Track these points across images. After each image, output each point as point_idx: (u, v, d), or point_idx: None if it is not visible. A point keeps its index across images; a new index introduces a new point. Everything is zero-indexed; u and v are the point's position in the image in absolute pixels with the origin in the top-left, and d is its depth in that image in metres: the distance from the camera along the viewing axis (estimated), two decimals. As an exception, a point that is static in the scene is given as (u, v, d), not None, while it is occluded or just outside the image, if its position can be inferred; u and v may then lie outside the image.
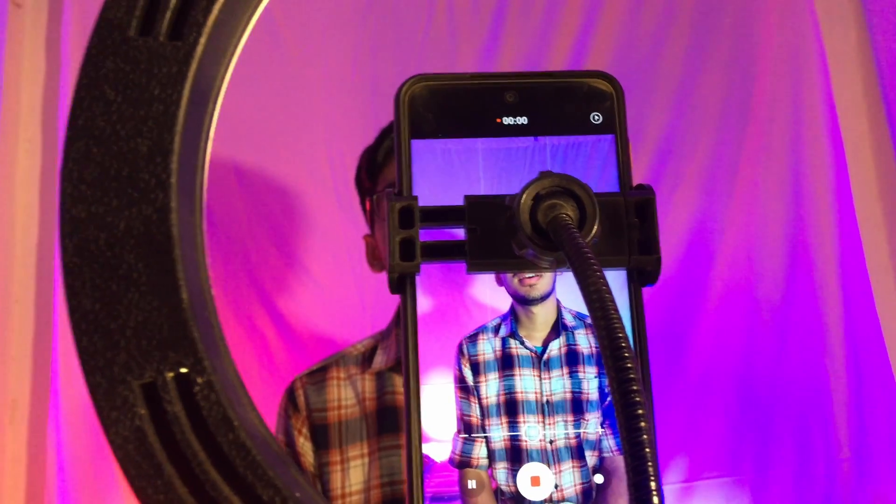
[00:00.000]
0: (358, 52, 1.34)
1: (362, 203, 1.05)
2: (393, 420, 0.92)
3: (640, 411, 0.19)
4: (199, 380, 0.19)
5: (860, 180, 1.27)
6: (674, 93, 1.28)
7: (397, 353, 0.97)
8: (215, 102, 0.21)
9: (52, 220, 1.31)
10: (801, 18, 1.30)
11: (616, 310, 0.21)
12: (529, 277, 0.27)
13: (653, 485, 0.19)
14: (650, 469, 0.19)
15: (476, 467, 0.26)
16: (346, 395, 0.97)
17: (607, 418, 0.27)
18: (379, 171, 0.99)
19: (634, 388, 0.20)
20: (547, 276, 0.28)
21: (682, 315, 1.23)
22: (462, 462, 0.26)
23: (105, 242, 0.19)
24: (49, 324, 1.27)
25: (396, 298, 0.99)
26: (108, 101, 0.20)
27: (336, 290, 1.28)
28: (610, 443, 0.27)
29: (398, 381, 0.96)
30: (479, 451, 0.27)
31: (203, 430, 0.19)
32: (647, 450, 0.19)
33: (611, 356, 0.20)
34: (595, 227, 0.25)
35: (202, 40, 0.20)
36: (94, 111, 0.20)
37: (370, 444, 0.93)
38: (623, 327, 0.21)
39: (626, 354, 0.20)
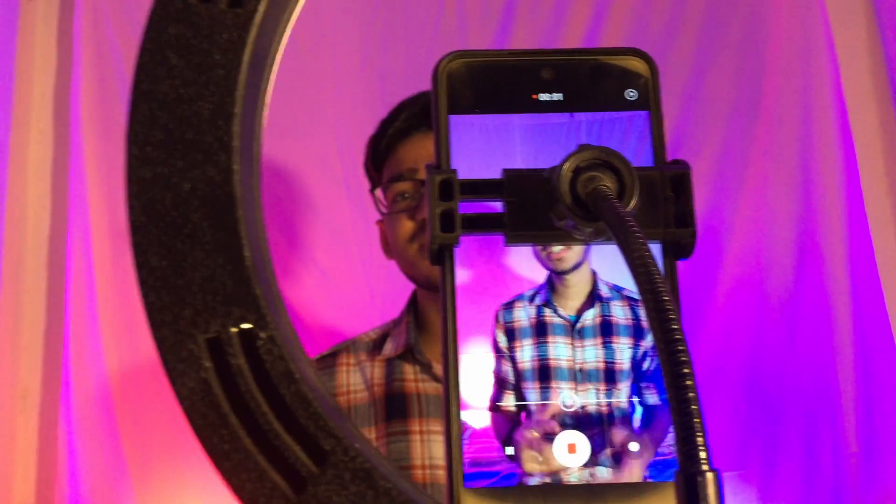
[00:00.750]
0: (367, 44, 1.35)
1: (372, 191, 1.06)
2: (401, 406, 0.93)
3: (686, 370, 0.20)
4: (263, 335, 0.19)
5: (870, 176, 1.27)
6: (683, 88, 1.29)
7: (407, 341, 0.98)
8: (271, 68, 0.22)
9: (63, 211, 1.32)
10: (811, 14, 1.31)
11: (660, 275, 0.22)
12: (558, 251, 0.28)
13: (699, 440, 0.19)
14: (697, 425, 0.19)
15: (509, 425, 0.27)
16: (354, 381, 0.98)
17: (641, 386, 0.28)
18: (383, 160, 1.00)
19: (680, 347, 0.20)
20: (576, 248, 0.28)
21: (690, 310, 1.24)
22: (493, 407, 0.27)
23: (171, 202, 0.20)
24: (60, 314, 1.28)
25: (405, 288, 1.00)
26: (171, 66, 0.20)
27: (344, 280, 1.29)
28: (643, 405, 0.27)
29: (407, 369, 0.97)
30: (509, 400, 0.27)
31: (265, 382, 0.19)
32: (694, 407, 0.19)
33: (656, 318, 0.21)
34: (634, 198, 0.25)
35: (261, 8, 0.21)
36: (158, 76, 0.20)
37: (378, 430, 0.94)
38: (668, 291, 0.21)
39: (672, 316, 0.21)
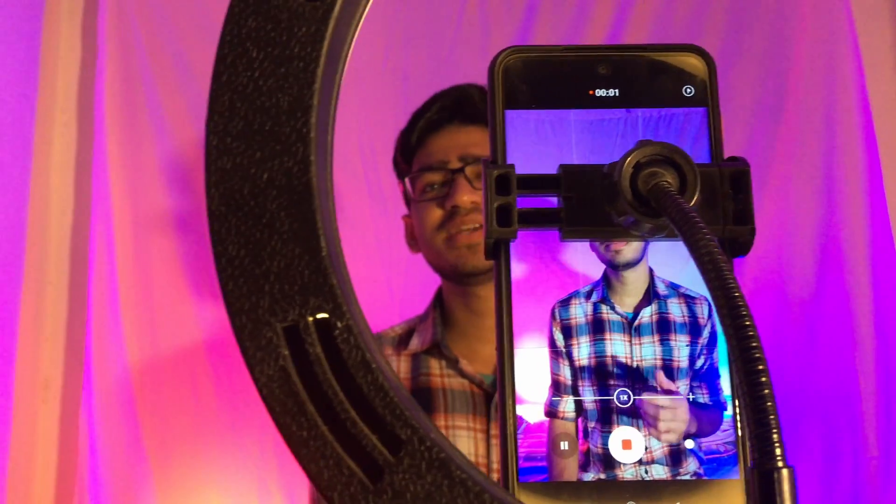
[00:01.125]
0: (390, 41, 1.35)
1: (400, 178, 1.06)
2: (427, 401, 0.94)
3: (761, 366, 0.20)
4: (339, 324, 0.20)
5: (893, 180, 1.26)
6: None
7: (434, 336, 0.98)
8: (345, 62, 0.22)
9: (86, 204, 1.33)
10: (836, 18, 1.30)
11: (730, 269, 0.22)
12: (616, 244, 0.28)
13: (775, 436, 0.19)
14: (773, 421, 0.19)
15: (563, 419, 0.27)
16: None
17: (697, 385, 0.28)
18: (413, 152, 1.00)
19: (754, 344, 0.20)
20: (634, 243, 0.28)
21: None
22: (550, 413, 0.27)
23: (249, 192, 0.20)
24: (83, 305, 1.29)
25: (426, 284, 1.00)
26: (251, 59, 0.20)
27: (364, 276, 1.30)
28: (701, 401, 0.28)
29: (433, 364, 0.97)
30: (567, 406, 0.27)
31: (342, 371, 0.20)
32: (769, 403, 0.19)
33: (728, 314, 0.21)
34: (696, 195, 0.25)
35: (338, 1, 0.21)
36: (238, 68, 0.20)
37: None
38: (738, 286, 0.21)
39: (744, 312, 0.21)
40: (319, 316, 0.20)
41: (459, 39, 1.37)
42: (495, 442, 0.92)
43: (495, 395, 0.94)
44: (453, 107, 0.98)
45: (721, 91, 0.29)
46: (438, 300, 1.03)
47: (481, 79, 1.13)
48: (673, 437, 0.27)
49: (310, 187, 0.20)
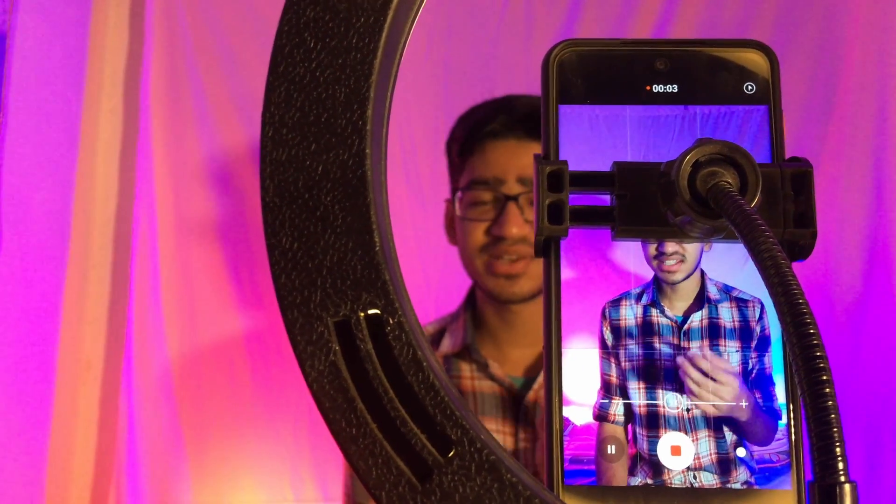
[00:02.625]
0: (432, 32, 1.35)
1: (449, 170, 1.04)
2: None
3: (825, 377, 0.19)
4: (391, 320, 0.19)
5: (947, 182, 1.22)
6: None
7: (464, 339, 0.97)
8: (401, 54, 0.22)
9: (130, 189, 1.35)
10: (889, 17, 1.26)
11: (793, 272, 0.21)
12: (671, 265, 0.27)
13: (838, 450, 0.19)
14: (836, 435, 0.19)
15: (613, 422, 0.26)
16: None
17: (748, 391, 0.27)
18: (469, 153, 0.97)
19: (818, 354, 0.19)
20: (688, 262, 0.27)
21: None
22: (600, 416, 0.27)
23: (304, 184, 0.20)
24: (125, 289, 1.31)
25: (462, 278, 0.99)
26: (308, 49, 0.20)
27: (402, 268, 1.30)
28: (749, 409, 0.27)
29: (464, 367, 0.97)
30: (616, 409, 0.27)
31: (393, 368, 0.19)
32: (833, 416, 0.19)
33: (791, 323, 0.20)
34: (757, 196, 0.24)
35: (397, -9, 0.21)
36: (295, 58, 0.20)
37: None
38: (801, 291, 0.20)
39: (808, 319, 0.20)
40: (371, 311, 0.19)
41: (503, 32, 1.36)
42: (524, 446, 0.91)
43: (525, 397, 0.93)
44: (523, 118, 0.95)
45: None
46: (470, 301, 1.02)
47: (523, 71, 1.11)
48: (723, 445, 0.26)
49: (364, 181, 0.20)
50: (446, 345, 0.99)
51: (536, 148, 0.94)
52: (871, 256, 1.22)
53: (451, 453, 0.19)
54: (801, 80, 1.27)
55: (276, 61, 0.20)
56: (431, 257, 1.29)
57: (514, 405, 0.94)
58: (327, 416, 0.19)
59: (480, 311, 1.00)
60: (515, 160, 0.94)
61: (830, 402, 0.19)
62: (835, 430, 0.19)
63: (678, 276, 0.28)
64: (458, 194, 0.97)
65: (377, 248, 0.20)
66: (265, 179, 0.20)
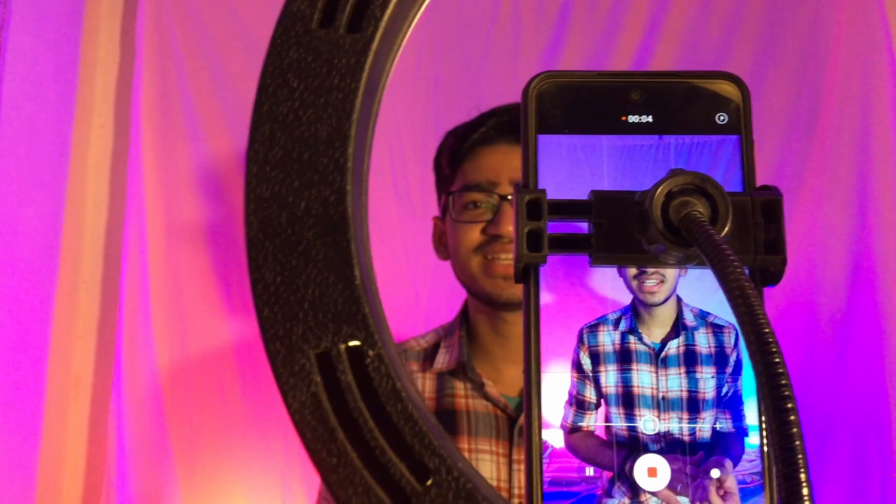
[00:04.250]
0: (422, 48, 1.36)
1: (438, 187, 1.04)
2: (450, 423, 0.92)
3: (790, 404, 0.20)
4: (371, 352, 0.20)
5: (930, 196, 1.24)
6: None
7: (460, 356, 0.97)
8: (382, 92, 0.23)
9: (121, 205, 1.35)
10: (872, 29, 1.28)
11: (760, 302, 0.22)
12: (651, 285, 0.28)
13: (802, 476, 0.19)
14: (800, 461, 0.19)
15: (584, 433, 0.27)
16: None
17: (721, 413, 0.28)
18: (461, 161, 0.98)
19: (783, 381, 0.20)
20: (668, 283, 0.28)
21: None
22: (573, 429, 0.27)
23: (286, 220, 0.20)
24: (115, 305, 1.31)
25: (453, 290, 1.00)
26: (291, 89, 0.21)
27: (391, 282, 1.30)
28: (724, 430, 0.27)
29: (458, 385, 0.96)
30: (589, 421, 0.27)
31: (373, 399, 0.20)
32: (798, 442, 0.19)
33: (757, 349, 0.21)
34: (728, 225, 0.25)
35: (378, 34, 0.21)
36: (279, 98, 0.21)
37: None
38: (768, 320, 0.21)
39: (774, 349, 0.21)
40: (352, 343, 0.20)
41: (491, 48, 1.37)
42: (518, 467, 0.91)
43: (519, 418, 0.93)
44: (512, 123, 0.96)
45: (753, 102, 0.29)
46: (465, 317, 1.02)
47: (511, 87, 1.12)
48: (698, 467, 0.27)
49: (345, 217, 0.20)
50: (441, 362, 0.98)
51: None
52: (856, 269, 1.23)
53: (429, 482, 0.19)
54: (783, 98, 1.29)
55: (260, 101, 0.21)
56: (421, 271, 1.30)
57: (508, 425, 0.94)
58: (309, 447, 0.20)
59: (474, 325, 0.99)
60: (507, 163, 0.94)
61: (795, 430, 0.20)
62: (799, 456, 0.19)
63: (659, 297, 0.28)
64: (452, 197, 0.97)
65: (357, 282, 0.20)
66: (249, 215, 0.20)
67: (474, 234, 0.94)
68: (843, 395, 1.20)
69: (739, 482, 0.27)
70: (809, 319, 1.22)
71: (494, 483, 0.90)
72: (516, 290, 0.92)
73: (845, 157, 1.26)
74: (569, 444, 0.27)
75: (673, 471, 0.27)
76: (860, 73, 1.27)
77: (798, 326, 1.21)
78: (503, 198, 0.93)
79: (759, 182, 0.29)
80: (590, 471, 0.27)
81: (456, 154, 0.98)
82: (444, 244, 1.01)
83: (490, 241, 0.93)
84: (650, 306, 0.28)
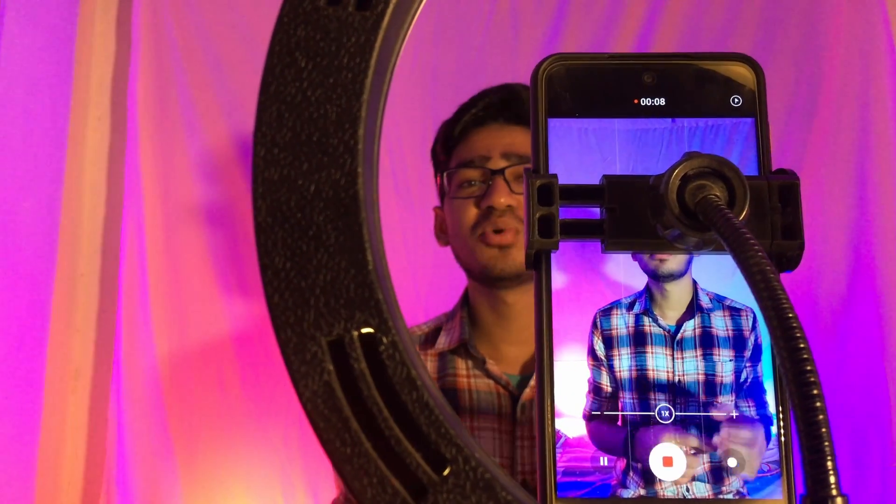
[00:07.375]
0: (419, 41, 1.35)
1: (436, 176, 1.06)
2: (453, 401, 0.93)
3: (816, 391, 0.19)
4: (385, 339, 0.19)
5: (931, 185, 1.23)
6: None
7: (461, 335, 0.98)
8: (392, 72, 0.22)
9: (118, 197, 1.34)
10: (872, 22, 1.27)
11: (781, 286, 0.21)
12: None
13: (829, 464, 0.19)
14: (827, 448, 0.19)
15: (602, 422, 0.27)
16: None
17: (741, 400, 0.27)
18: (454, 145, 1.00)
19: (808, 367, 0.20)
20: (679, 255, 0.28)
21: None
22: (590, 416, 0.27)
23: (296, 204, 0.20)
24: (113, 298, 1.30)
25: (452, 281, 1.00)
26: (299, 69, 0.20)
27: (390, 273, 1.30)
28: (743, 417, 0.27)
29: (460, 364, 0.97)
30: (605, 408, 0.27)
31: (387, 388, 0.19)
32: (824, 429, 0.19)
33: (781, 335, 0.20)
34: (745, 208, 0.25)
35: (388, 11, 0.21)
36: (286, 78, 0.20)
37: None
38: (791, 305, 0.21)
39: (798, 333, 0.20)
40: (365, 331, 0.19)
41: (489, 40, 1.36)
42: (520, 444, 0.92)
43: (521, 395, 0.93)
44: (500, 105, 0.97)
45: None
46: (466, 300, 1.03)
47: (510, 77, 1.11)
48: (716, 455, 0.27)
49: (357, 200, 0.20)
50: (442, 342, 0.99)
51: (518, 132, 0.96)
52: (855, 261, 1.23)
53: (446, 472, 0.19)
54: (783, 87, 1.28)
55: (266, 81, 0.20)
56: (421, 263, 1.29)
57: (511, 403, 0.94)
58: (322, 436, 0.19)
59: (474, 307, 1.00)
60: (499, 139, 0.96)
61: (821, 416, 0.19)
62: (826, 443, 0.19)
63: (670, 266, 0.28)
64: (447, 176, 0.99)
65: (370, 267, 0.20)
66: (257, 199, 0.20)
67: (470, 211, 0.96)
68: (843, 388, 1.20)
69: (758, 470, 0.27)
70: (809, 311, 1.22)
71: (496, 460, 0.91)
72: (508, 264, 0.93)
73: (844, 150, 1.25)
74: (589, 432, 0.27)
75: (689, 456, 0.26)
76: (860, 62, 1.26)
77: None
78: (494, 172, 0.93)
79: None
80: (604, 460, 0.27)
81: (449, 139, 1.00)
82: (444, 231, 1.02)
83: (485, 214, 0.94)
84: (663, 282, 0.27)
